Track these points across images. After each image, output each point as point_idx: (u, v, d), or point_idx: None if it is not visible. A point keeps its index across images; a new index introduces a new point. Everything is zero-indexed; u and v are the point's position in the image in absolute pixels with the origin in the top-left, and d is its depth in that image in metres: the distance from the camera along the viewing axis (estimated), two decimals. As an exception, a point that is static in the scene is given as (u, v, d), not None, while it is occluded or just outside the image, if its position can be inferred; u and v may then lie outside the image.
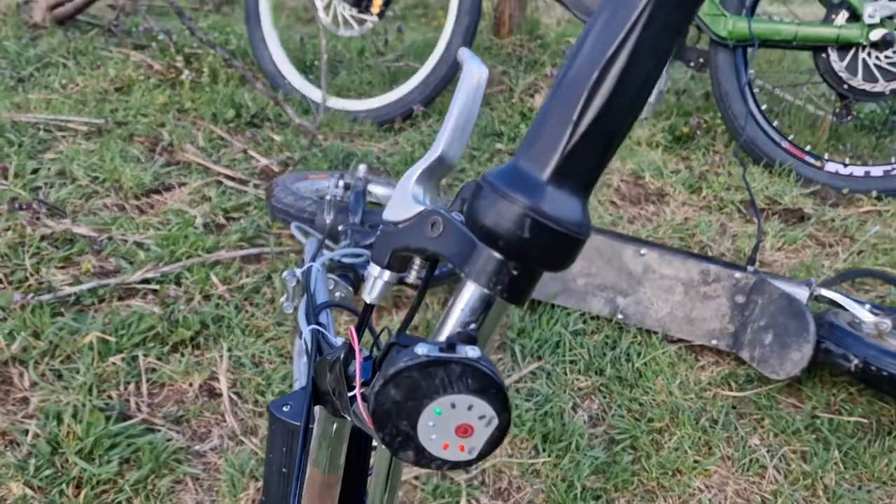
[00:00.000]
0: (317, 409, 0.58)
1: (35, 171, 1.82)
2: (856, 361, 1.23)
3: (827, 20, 2.09)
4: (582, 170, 0.39)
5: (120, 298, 1.40)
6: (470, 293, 0.41)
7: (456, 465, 0.41)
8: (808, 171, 2.13)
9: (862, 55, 2.04)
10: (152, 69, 2.53)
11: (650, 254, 1.41)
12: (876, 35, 1.99)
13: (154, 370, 1.25)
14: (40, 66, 2.58)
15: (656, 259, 1.41)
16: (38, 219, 1.57)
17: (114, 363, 1.24)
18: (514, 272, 0.40)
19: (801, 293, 1.37)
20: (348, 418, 0.55)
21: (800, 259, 1.79)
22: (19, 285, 1.38)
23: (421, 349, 0.39)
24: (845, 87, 2.10)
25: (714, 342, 1.41)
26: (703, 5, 2.08)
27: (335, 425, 0.55)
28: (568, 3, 2.26)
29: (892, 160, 2.14)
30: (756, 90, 2.19)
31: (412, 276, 0.46)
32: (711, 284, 1.40)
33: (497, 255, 0.40)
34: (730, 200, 2.00)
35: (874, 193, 2.08)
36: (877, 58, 2.03)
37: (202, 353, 1.30)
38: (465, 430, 0.40)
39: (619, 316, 1.43)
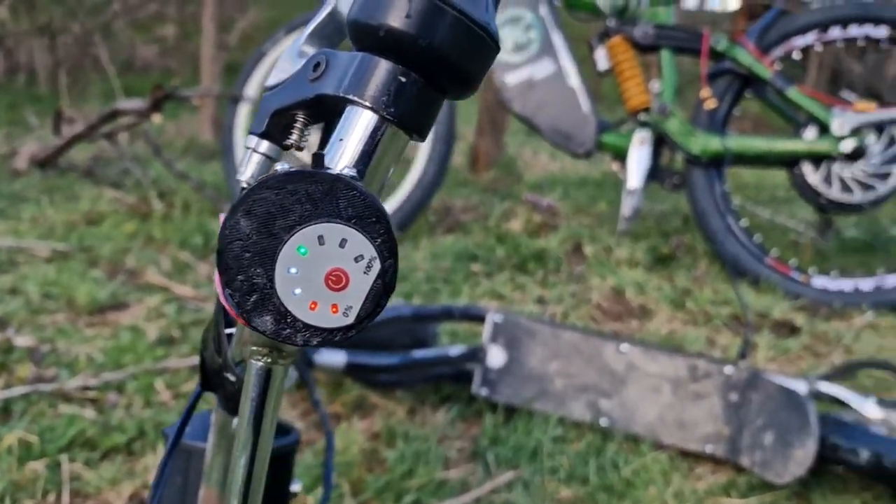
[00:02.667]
0: (213, 415, 0.47)
1: (-16, 289, 1.73)
2: (866, 455, 1.10)
3: (797, 135, 2.11)
4: None
5: (52, 406, 1.26)
6: (352, 120, 0.33)
7: (329, 338, 0.30)
8: (794, 287, 2.06)
9: (835, 167, 2.04)
10: (124, 203, 2.51)
11: (632, 350, 1.30)
12: (847, 147, 2.00)
13: (79, 478, 1.10)
14: (14, 201, 2.57)
15: (639, 356, 1.29)
16: (-26, 330, 1.46)
17: (35, 469, 1.08)
18: (404, 80, 0.32)
19: (800, 387, 1.25)
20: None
21: (797, 367, 1.67)
22: (-62, 393, 1.25)
23: (282, 166, 0.30)
24: (822, 200, 2.08)
25: (710, 448, 1.27)
26: (674, 125, 2.13)
27: (234, 424, 0.44)
28: (544, 130, 2.28)
29: (880, 273, 2.08)
30: (734, 207, 2.18)
31: (294, 137, 0.37)
32: (701, 381, 1.28)
33: (383, 62, 0.32)
34: (716, 315, 1.90)
35: (865, 307, 2.00)
36: (850, 170, 2.03)
37: (136, 461, 1.15)
38: (337, 279, 0.30)
39: (603, 421, 1.30)
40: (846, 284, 2.05)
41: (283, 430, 0.57)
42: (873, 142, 2.01)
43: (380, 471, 1.17)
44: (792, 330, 1.87)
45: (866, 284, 2.05)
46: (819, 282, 2.07)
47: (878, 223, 2.79)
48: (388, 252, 0.30)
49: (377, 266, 0.30)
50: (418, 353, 1.22)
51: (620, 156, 2.23)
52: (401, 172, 2.58)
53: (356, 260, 0.30)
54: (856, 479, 1.22)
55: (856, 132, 2.00)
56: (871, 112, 2.00)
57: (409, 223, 2.40)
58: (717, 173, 2.16)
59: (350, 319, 0.30)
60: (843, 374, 1.40)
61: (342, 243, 0.30)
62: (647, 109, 2.20)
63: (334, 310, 0.30)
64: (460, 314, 1.37)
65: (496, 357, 1.31)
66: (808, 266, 2.14)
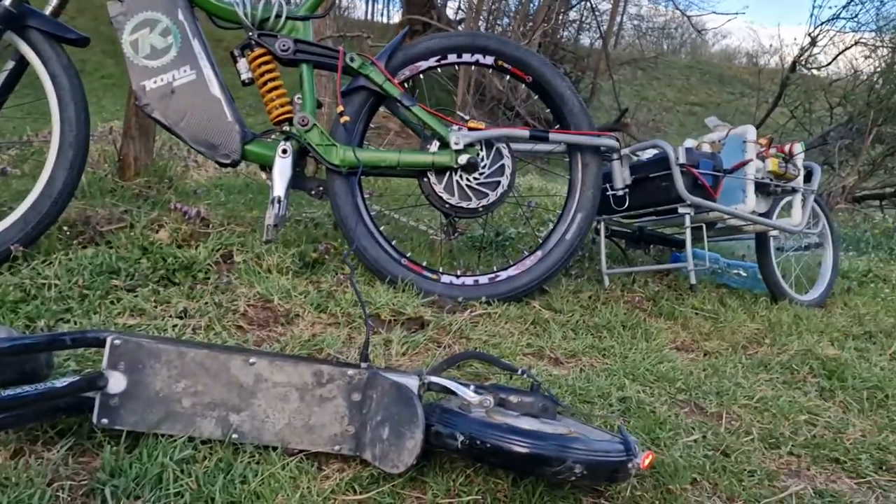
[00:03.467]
0: None
1: None
2: (462, 438, 1.26)
3: (424, 148, 2.33)
4: None
5: None
6: None
7: None
8: (426, 284, 2.28)
9: (455, 177, 2.31)
10: None
11: (260, 361, 1.33)
12: (463, 159, 2.27)
13: None
14: None
15: (267, 366, 1.33)
16: None
17: None
18: None
19: (412, 382, 1.39)
20: None
21: (422, 360, 1.86)
22: None
23: None
24: (447, 206, 2.33)
25: (337, 448, 1.35)
26: (315, 137, 2.21)
27: None
28: (187, 139, 2.21)
29: (495, 269, 2.40)
30: (374, 213, 2.34)
31: None
32: (326, 385, 1.36)
33: None
34: (357, 315, 2.04)
35: (483, 298, 2.29)
36: (467, 179, 2.31)
37: None
38: None
39: (234, 435, 1.31)
40: (468, 280, 2.34)
41: None
42: (484, 155, 2.31)
43: (-28, 527, 1.04)
44: (422, 325, 2.08)
45: (484, 279, 2.35)
46: (447, 278, 2.32)
47: (500, 224, 3.21)
48: None
49: None
50: (11, 392, 1.11)
51: (267, 165, 2.25)
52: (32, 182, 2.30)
53: None
54: (462, 459, 1.40)
55: (470, 147, 2.28)
56: (482, 130, 2.30)
57: (37, 237, 2.16)
58: (356, 182, 2.29)
59: None
60: (450, 365, 1.59)
61: None
62: (290, 120, 2.25)
63: None
64: (74, 341, 1.28)
65: (117, 383, 1.25)
66: (438, 265, 2.39)
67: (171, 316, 1.88)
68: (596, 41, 14.24)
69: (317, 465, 1.35)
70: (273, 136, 2.32)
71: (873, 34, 7.62)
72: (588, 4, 13.58)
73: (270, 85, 2.25)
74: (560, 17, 13.63)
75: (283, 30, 2.25)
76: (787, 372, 2.20)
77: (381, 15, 18.07)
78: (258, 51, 2.23)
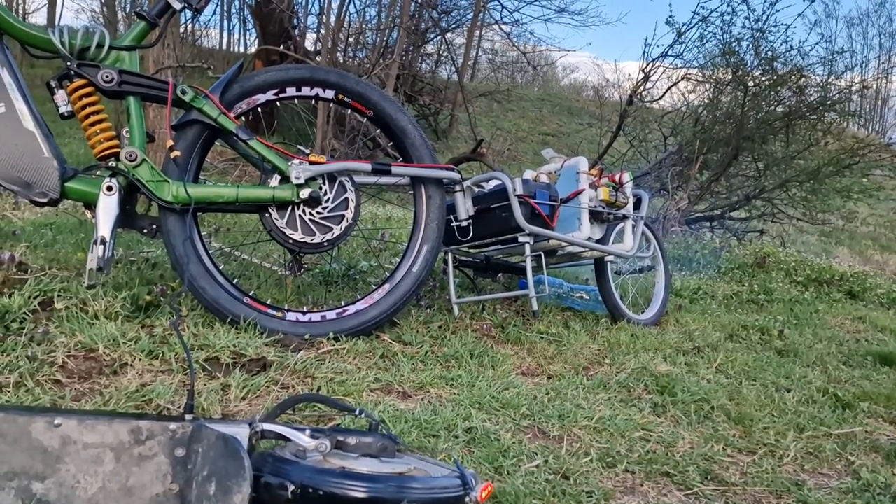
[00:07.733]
0: None
1: None
2: (293, 488, 1.21)
3: (265, 183, 2.27)
4: None
5: None
6: None
7: None
8: (270, 323, 2.20)
9: (298, 212, 2.26)
10: None
11: (67, 422, 1.22)
12: (304, 193, 2.23)
13: None
14: None
15: (75, 427, 1.22)
16: None
17: None
18: None
19: (242, 432, 1.32)
20: None
21: (263, 404, 1.79)
22: None
23: None
24: (290, 241, 2.27)
25: (160, 508, 1.26)
26: (145, 172, 2.09)
27: None
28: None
29: (343, 303, 2.36)
30: (211, 251, 2.23)
31: None
32: (146, 443, 1.27)
33: None
34: (194, 359, 1.93)
35: (331, 335, 2.24)
36: (310, 213, 2.26)
37: None
38: None
39: (39, 505, 1.19)
40: (315, 316, 2.28)
41: None
42: (327, 189, 2.28)
43: None
44: (264, 366, 2.00)
45: (331, 314, 2.30)
46: (292, 316, 2.25)
47: (353, 257, 3.18)
48: None
49: None
50: None
51: (91, 203, 2.11)
52: None
53: None
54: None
55: (311, 181, 2.24)
56: (323, 164, 2.27)
57: None
58: (192, 219, 2.19)
59: None
60: (283, 410, 1.53)
61: None
62: (116, 156, 2.12)
63: None
64: None
65: None
66: (283, 303, 2.32)
67: (-26, 374, 1.70)
68: (453, 74, 14.61)
69: (136, 530, 1.25)
70: (98, 173, 2.18)
71: (696, 70, 8.32)
72: (444, 39, 13.93)
73: (93, 118, 2.11)
74: (418, 50, 13.88)
75: (106, 60, 2.13)
76: (625, 390, 2.31)
77: (238, 45, 17.64)
78: (78, 82, 2.09)
